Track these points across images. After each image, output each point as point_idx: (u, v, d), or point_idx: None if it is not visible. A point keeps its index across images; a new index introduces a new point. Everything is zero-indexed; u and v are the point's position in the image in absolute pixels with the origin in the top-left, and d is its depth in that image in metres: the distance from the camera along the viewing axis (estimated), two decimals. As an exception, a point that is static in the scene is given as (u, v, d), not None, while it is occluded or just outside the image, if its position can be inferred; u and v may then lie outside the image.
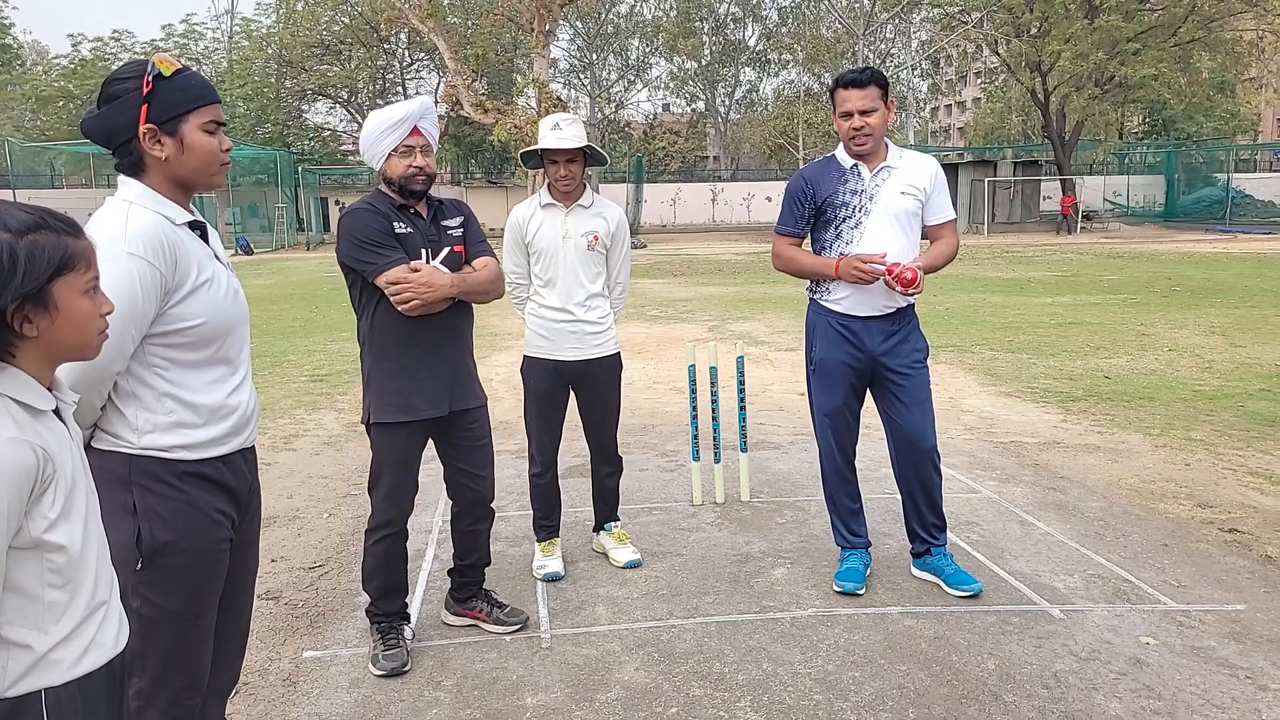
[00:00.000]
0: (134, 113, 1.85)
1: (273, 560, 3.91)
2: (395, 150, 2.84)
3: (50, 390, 1.38)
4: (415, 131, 2.84)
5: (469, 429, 3.05)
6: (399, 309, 2.81)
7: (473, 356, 3.10)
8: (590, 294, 3.64)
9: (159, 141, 1.87)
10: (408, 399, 2.91)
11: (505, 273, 3.71)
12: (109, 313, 1.44)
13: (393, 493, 2.98)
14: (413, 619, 3.23)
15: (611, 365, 3.74)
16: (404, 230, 2.87)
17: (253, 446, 2.08)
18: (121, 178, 1.91)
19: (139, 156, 1.88)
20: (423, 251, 2.88)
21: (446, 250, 2.93)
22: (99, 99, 1.90)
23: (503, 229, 3.88)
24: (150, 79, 1.85)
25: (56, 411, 1.38)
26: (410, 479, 3.01)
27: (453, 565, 3.28)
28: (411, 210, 2.92)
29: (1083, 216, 33.19)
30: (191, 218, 1.94)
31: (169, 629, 1.89)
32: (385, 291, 2.82)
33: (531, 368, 3.69)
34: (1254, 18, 30.27)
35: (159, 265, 1.81)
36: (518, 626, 3.22)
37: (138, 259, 1.78)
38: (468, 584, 3.26)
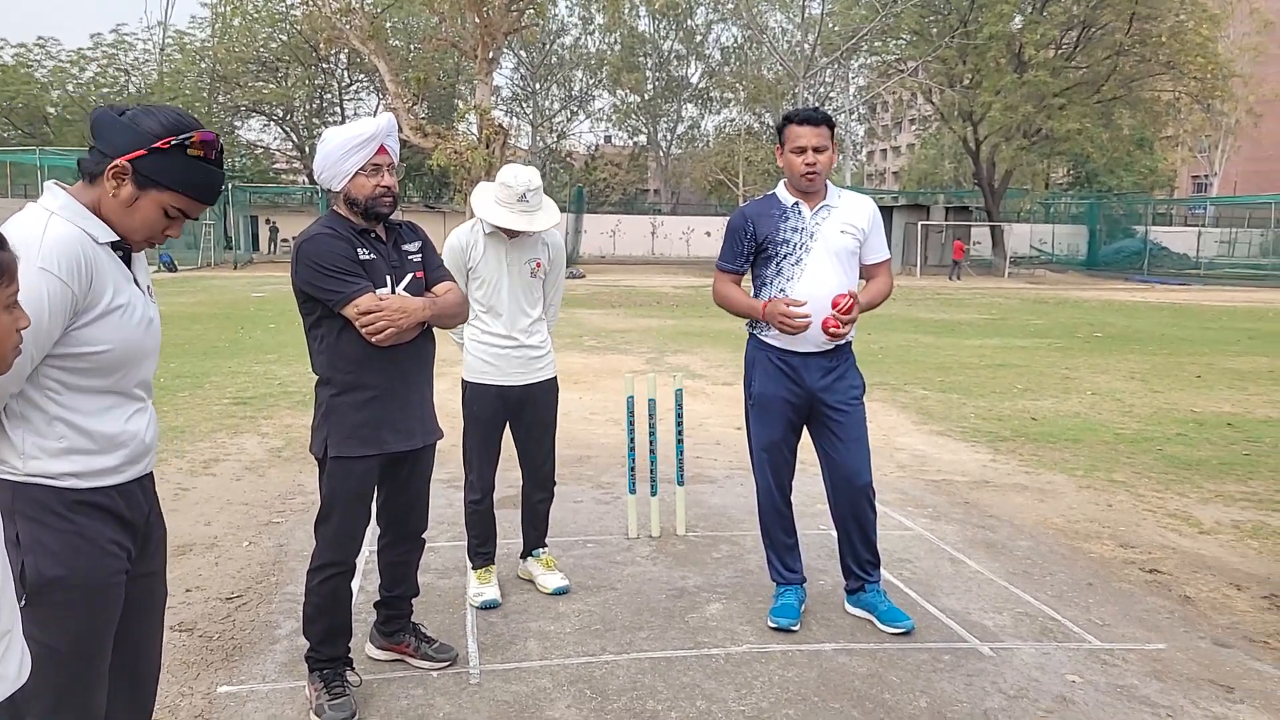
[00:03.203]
0: (129, 147, 1.77)
1: (187, 590, 3.74)
2: (362, 169, 2.71)
3: None
4: (381, 150, 2.73)
5: (424, 462, 2.96)
6: (372, 339, 2.67)
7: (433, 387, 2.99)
8: (533, 320, 3.64)
9: (121, 182, 1.78)
10: (374, 432, 2.76)
11: None
12: (25, 327, 1.36)
13: (344, 530, 2.81)
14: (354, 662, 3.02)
15: (552, 388, 3.73)
16: (368, 256, 2.74)
17: (150, 474, 1.96)
18: (50, 184, 1.80)
19: (101, 172, 1.79)
20: (387, 279, 2.76)
21: (410, 277, 2.82)
22: (139, 107, 1.83)
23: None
24: (174, 143, 1.78)
25: None
26: (364, 515, 2.85)
27: (379, 597, 3.16)
28: (373, 234, 2.79)
29: (1010, 262, 34.24)
30: (115, 238, 1.82)
31: (59, 670, 1.74)
32: (356, 321, 2.66)
33: (476, 395, 3.63)
34: (1171, 80, 31.80)
35: (72, 284, 1.70)
36: (447, 663, 3.11)
37: (49, 275, 1.67)
38: (395, 616, 3.14)
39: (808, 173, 3.36)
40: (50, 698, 1.75)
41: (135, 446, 1.87)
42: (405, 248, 2.87)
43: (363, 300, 2.65)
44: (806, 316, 3.27)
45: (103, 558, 1.80)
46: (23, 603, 1.70)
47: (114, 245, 1.83)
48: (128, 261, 1.87)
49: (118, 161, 1.77)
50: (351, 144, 2.71)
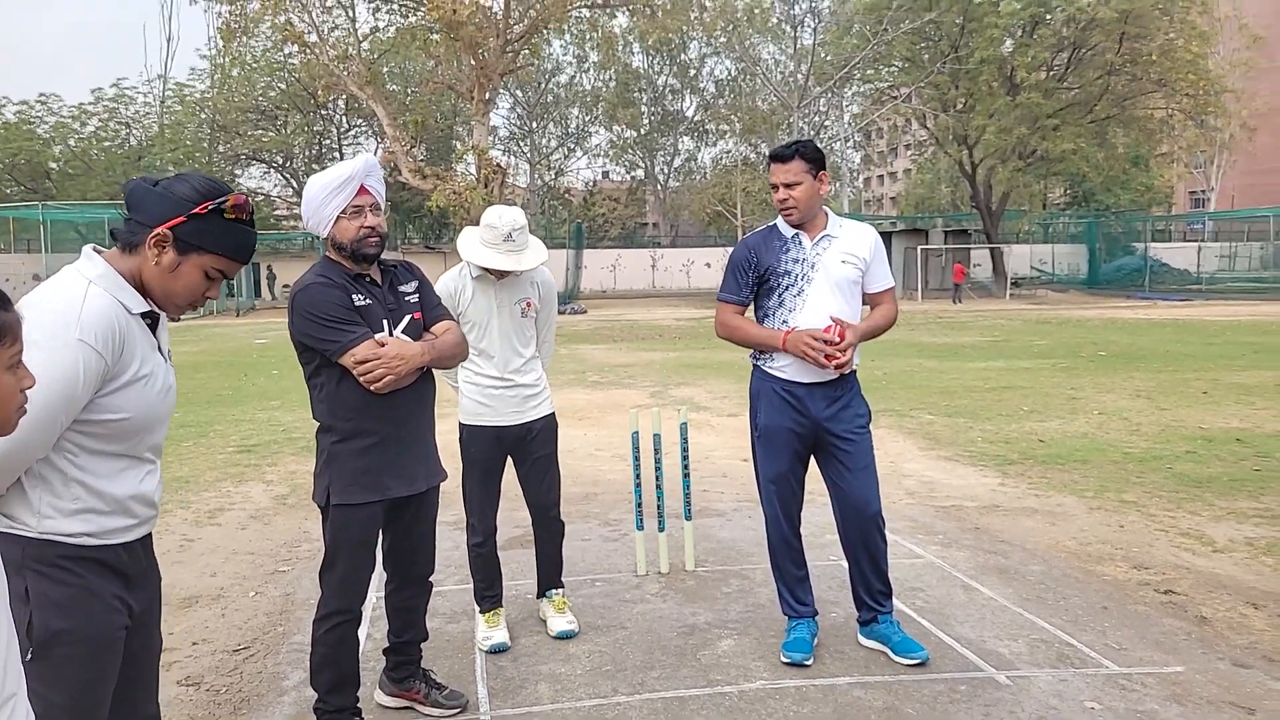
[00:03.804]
0: (169, 214, 1.83)
1: (194, 643, 3.71)
2: (344, 212, 2.70)
3: None
4: (363, 190, 2.72)
5: (428, 505, 2.95)
6: (370, 387, 2.65)
7: (434, 428, 2.98)
8: (526, 359, 3.63)
9: (163, 249, 1.84)
10: (376, 477, 2.74)
11: None
12: (29, 387, 1.36)
13: (349, 577, 2.79)
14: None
15: (550, 424, 3.71)
16: (363, 302, 2.73)
17: (150, 532, 1.98)
18: (87, 249, 1.85)
19: (140, 243, 1.84)
20: (384, 323, 2.75)
21: (407, 319, 2.80)
22: (171, 177, 1.89)
23: None
24: (211, 207, 1.84)
25: None
26: (369, 561, 2.82)
27: (388, 644, 3.13)
28: (367, 279, 2.78)
29: (1011, 283, 34.29)
30: (147, 307, 1.87)
31: None
32: (354, 371, 2.65)
33: (473, 437, 3.61)
34: (1164, 97, 32.00)
35: (106, 356, 1.75)
36: (457, 710, 3.07)
37: (87, 347, 1.71)
38: (404, 663, 3.11)
39: (780, 209, 3.43)
40: None
41: (145, 508, 1.90)
42: (401, 289, 2.86)
43: (359, 349, 2.63)
44: (833, 339, 3.28)
45: (108, 613, 1.80)
46: (29, 657, 1.69)
47: (144, 314, 1.87)
48: (153, 327, 1.90)
49: (158, 230, 1.83)
50: (330, 188, 2.70)
